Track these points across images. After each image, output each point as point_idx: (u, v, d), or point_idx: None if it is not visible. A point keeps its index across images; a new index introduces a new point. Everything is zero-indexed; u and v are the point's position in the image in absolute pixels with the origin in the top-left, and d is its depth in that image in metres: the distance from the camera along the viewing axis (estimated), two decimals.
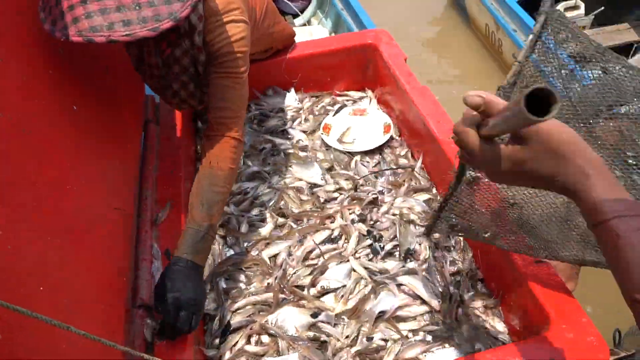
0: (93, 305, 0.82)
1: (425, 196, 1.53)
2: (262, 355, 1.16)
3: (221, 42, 1.11)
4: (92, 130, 1.04)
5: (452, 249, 1.38)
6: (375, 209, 1.45)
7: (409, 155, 1.71)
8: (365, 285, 1.26)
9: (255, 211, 1.47)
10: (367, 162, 1.68)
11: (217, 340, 1.18)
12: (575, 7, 2.55)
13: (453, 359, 1.16)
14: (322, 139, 1.75)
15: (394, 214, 1.43)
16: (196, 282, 1.05)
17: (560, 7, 2.54)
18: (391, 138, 1.75)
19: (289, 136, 1.77)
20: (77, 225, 0.84)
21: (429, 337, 1.20)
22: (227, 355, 1.16)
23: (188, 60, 1.16)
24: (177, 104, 1.32)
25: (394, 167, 1.64)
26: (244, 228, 1.41)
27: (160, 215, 1.29)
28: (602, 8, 2.57)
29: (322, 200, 1.50)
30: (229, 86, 1.16)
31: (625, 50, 1.34)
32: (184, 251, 1.06)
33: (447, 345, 1.19)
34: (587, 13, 2.57)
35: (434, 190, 1.56)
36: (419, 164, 1.62)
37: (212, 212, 1.11)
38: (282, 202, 1.49)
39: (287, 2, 2.83)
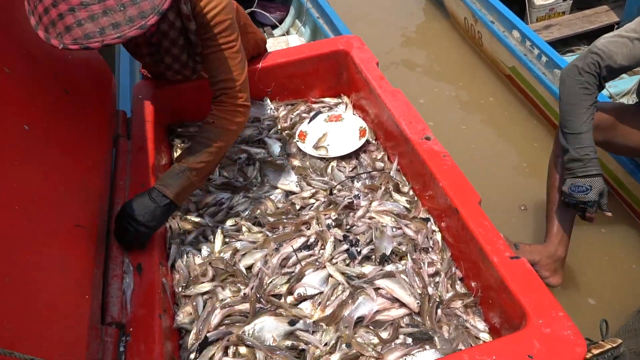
0: (45, 326, 0.79)
1: (402, 198, 1.52)
2: None
3: (211, 10, 1.17)
4: (49, 149, 1.02)
5: (430, 249, 1.37)
6: (351, 214, 1.44)
7: (385, 158, 1.70)
8: (343, 291, 1.24)
9: (230, 222, 1.45)
10: (344, 167, 1.67)
11: (192, 355, 1.15)
12: None
13: None
14: (298, 147, 1.74)
15: (370, 218, 1.42)
16: (149, 206, 1.15)
17: None
18: (367, 142, 1.75)
19: (265, 145, 1.75)
20: (27, 243, 0.81)
21: (409, 340, 1.18)
22: None
23: (176, 33, 1.24)
24: (172, 76, 1.46)
25: (370, 170, 1.63)
26: (219, 239, 1.38)
27: None
28: None
29: (297, 207, 1.49)
30: (227, 57, 1.20)
31: (606, 32, 1.37)
32: (157, 181, 1.21)
33: (427, 347, 1.17)
34: None
35: (411, 192, 1.55)
36: (394, 166, 1.61)
37: (196, 158, 1.21)
38: (258, 212, 1.47)
39: (265, 13, 2.83)
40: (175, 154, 1.73)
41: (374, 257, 1.32)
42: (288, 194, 1.55)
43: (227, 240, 1.40)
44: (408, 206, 1.50)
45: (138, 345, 1.04)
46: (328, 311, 1.22)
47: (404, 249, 1.35)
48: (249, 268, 1.33)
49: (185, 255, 1.36)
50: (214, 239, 1.39)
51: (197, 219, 1.45)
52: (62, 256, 0.97)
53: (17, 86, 1.00)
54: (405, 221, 1.42)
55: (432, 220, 1.45)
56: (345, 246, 1.33)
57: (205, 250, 1.38)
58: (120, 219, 1.15)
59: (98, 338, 0.99)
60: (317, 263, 1.30)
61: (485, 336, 1.21)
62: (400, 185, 1.56)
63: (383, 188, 1.54)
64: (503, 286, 1.11)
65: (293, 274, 1.29)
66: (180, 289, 1.28)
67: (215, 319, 1.20)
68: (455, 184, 1.31)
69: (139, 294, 1.13)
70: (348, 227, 1.39)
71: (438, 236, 1.40)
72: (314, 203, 1.49)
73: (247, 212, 1.48)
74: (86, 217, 1.10)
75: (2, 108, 0.90)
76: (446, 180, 1.33)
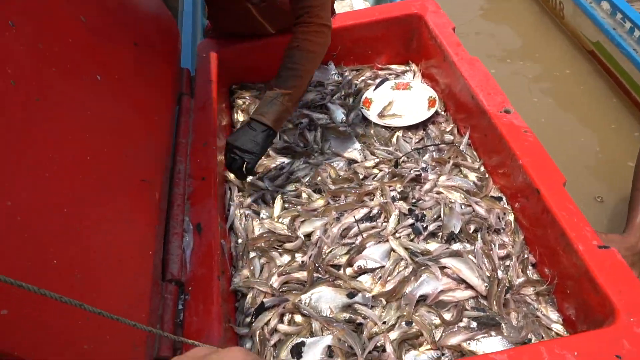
0: (112, 279, 0.78)
1: (472, 175, 1.42)
2: (295, 335, 1.10)
3: None
4: (118, 101, 1.00)
5: (501, 231, 1.27)
6: (417, 187, 1.36)
7: (455, 131, 1.60)
8: (406, 267, 1.18)
9: (290, 187, 1.41)
10: (410, 138, 1.58)
11: (248, 319, 1.14)
12: None
13: (500, 348, 1.06)
14: (362, 114, 1.66)
15: (438, 193, 1.33)
16: (249, 134, 1.23)
17: None
18: (436, 113, 1.64)
19: (327, 111, 1.69)
20: (96, 196, 0.80)
21: (474, 324, 1.11)
22: (259, 333, 1.11)
23: None
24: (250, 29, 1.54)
25: (438, 143, 1.53)
26: (278, 204, 1.34)
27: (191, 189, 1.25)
28: None
29: (360, 176, 1.42)
30: None
31: None
32: (253, 112, 1.26)
33: (493, 333, 1.10)
34: None
35: (482, 169, 1.44)
36: (465, 139, 1.50)
37: (286, 84, 1.24)
38: (319, 178, 1.42)
39: None
40: (236, 115, 1.70)
41: (440, 234, 1.24)
42: (350, 162, 1.48)
43: (286, 205, 1.36)
44: (478, 183, 1.40)
45: (197, 304, 1.03)
46: (389, 287, 1.16)
47: (473, 228, 1.25)
48: (308, 236, 1.29)
49: (244, 218, 1.33)
50: (273, 203, 1.36)
51: (256, 182, 1.41)
52: (129, 210, 0.96)
53: (91, 35, 0.98)
54: (475, 199, 1.32)
55: (504, 199, 1.34)
56: (410, 221, 1.25)
57: (263, 214, 1.34)
58: (227, 152, 1.25)
59: (159, 294, 0.99)
60: (380, 236, 1.24)
61: (558, 327, 1.12)
62: (470, 161, 1.45)
63: (451, 162, 1.44)
64: (587, 277, 1.00)
65: (353, 246, 1.23)
66: (238, 251, 1.26)
67: (272, 284, 1.17)
68: (537, 163, 1.20)
69: (198, 254, 1.11)
70: (414, 200, 1.32)
71: (511, 217, 1.30)
72: (377, 173, 1.42)
73: (307, 178, 1.43)
74: (151, 173, 1.08)
75: (77, 55, 0.88)
76: (527, 158, 1.21)
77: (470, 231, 1.25)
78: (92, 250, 0.75)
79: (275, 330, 1.13)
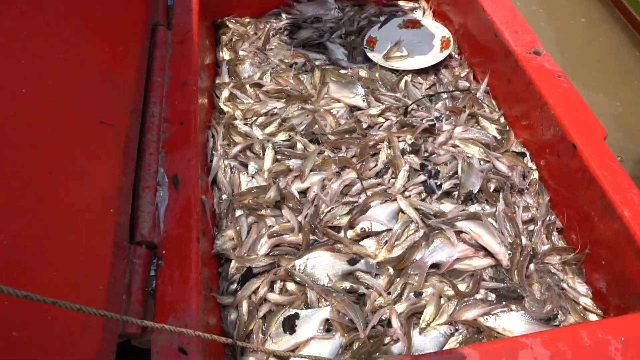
0: (56, 243, 0.60)
1: (492, 127, 1.25)
2: (288, 306, 0.95)
3: None
4: (71, 26, 0.79)
5: (525, 191, 1.11)
6: (430, 139, 1.18)
7: (471, 77, 1.41)
8: (416, 230, 1.02)
9: (283, 136, 1.22)
10: (420, 83, 1.39)
11: (233, 286, 0.98)
12: None
13: (522, 324, 0.93)
14: (366, 55, 1.46)
15: (453, 146, 1.15)
16: None
17: None
18: (449, 56, 1.44)
19: (326, 50, 1.48)
20: (37, 140, 0.61)
21: (492, 297, 0.96)
22: (246, 303, 0.96)
23: None
24: None
25: (452, 89, 1.34)
26: (269, 155, 1.16)
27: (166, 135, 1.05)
28: None
29: (364, 125, 1.24)
30: None
31: None
32: None
33: (514, 307, 0.96)
34: None
35: (502, 120, 1.26)
36: (483, 86, 1.32)
37: None
38: (316, 127, 1.23)
39: None
40: (221, 53, 1.48)
41: (456, 193, 1.08)
42: (352, 109, 1.29)
43: (278, 157, 1.18)
44: (498, 136, 1.22)
45: (172, 271, 0.86)
46: (396, 252, 1.01)
47: (493, 187, 1.09)
48: (304, 193, 1.12)
49: (229, 170, 1.15)
50: (264, 154, 1.17)
51: (244, 129, 1.22)
52: (83, 158, 0.78)
53: None
54: (495, 154, 1.15)
55: (528, 156, 1.18)
56: (422, 177, 1.09)
57: (252, 166, 1.16)
58: None
59: (125, 259, 0.82)
60: (387, 194, 1.07)
61: (586, 301, 0.98)
62: (489, 111, 1.27)
63: (467, 112, 1.26)
64: (632, 246, 0.85)
65: (356, 205, 1.07)
66: (221, 209, 1.09)
67: (262, 248, 1.01)
68: (573, 113, 1.03)
69: (174, 211, 0.94)
70: (426, 154, 1.14)
71: (535, 175, 1.13)
72: (383, 122, 1.24)
73: (303, 127, 1.24)
74: (113, 115, 0.89)
75: None
76: (561, 107, 1.04)
77: (491, 190, 1.08)
78: (27, 209, 0.57)
79: (264, 300, 0.97)
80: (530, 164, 1.15)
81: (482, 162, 1.14)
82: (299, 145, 1.20)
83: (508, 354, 0.72)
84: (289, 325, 0.94)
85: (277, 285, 1.00)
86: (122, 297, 0.79)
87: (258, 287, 0.98)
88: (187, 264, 0.88)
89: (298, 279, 0.97)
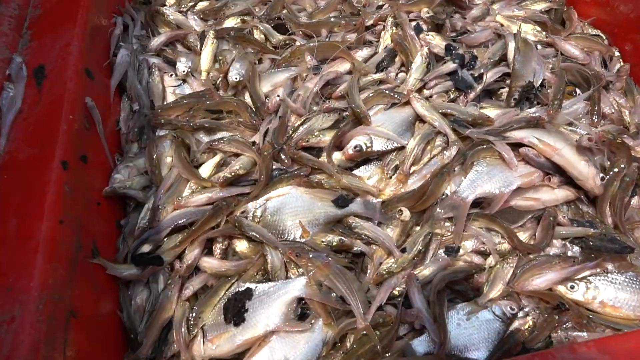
0: None
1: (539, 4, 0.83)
2: (235, 279, 0.56)
3: None
4: None
5: (609, 86, 0.71)
6: (457, 15, 0.76)
7: None
8: (444, 148, 0.62)
9: (231, 22, 0.81)
10: None
11: (145, 247, 0.58)
12: None
13: (635, 299, 0.54)
14: None
15: (496, 20, 0.74)
16: None
17: None
18: None
19: None
20: None
21: (576, 250, 0.57)
22: (163, 277, 0.57)
23: None
24: None
25: None
26: (209, 47, 0.74)
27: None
28: None
29: (356, 3, 0.81)
30: None
31: None
32: None
33: (611, 267, 0.57)
34: None
35: None
36: None
37: None
38: (284, 12, 0.82)
39: None
40: None
41: (507, 90, 0.67)
42: None
43: (225, 49, 0.76)
44: (552, 17, 0.81)
45: (5, 218, 0.46)
46: (414, 184, 0.61)
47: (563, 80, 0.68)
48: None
49: (146, 72, 0.73)
50: (201, 46, 0.75)
51: (175, 17, 0.81)
52: None
53: None
54: (556, 37, 0.74)
55: (605, 37, 0.77)
56: (451, 65, 0.68)
57: (183, 65, 0.76)
58: None
59: None
60: (393, 95, 0.66)
61: None
62: None
63: None
64: None
65: (345, 114, 0.66)
66: (133, 127, 0.68)
67: (190, 188, 0.61)
68: None
69: (29, 120, 0.53)
70: (454, 34, 0.72)
71: (623, 66, 0.73)
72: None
73: (263, 11, 0.82)
74: None
75: None
76: None
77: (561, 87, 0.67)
78: None
79: (195, 270, 0.58)
80: (612, 49, 0.75)
81: (539, 47, 0.72)
82: (257, 34, 0.78)
83: None
84: (236, 311, 0.55)
85: (219, 246, 0.59)
86: None
87: (183, 249, 0.58)
88: (35, 205, 0.47)
89: (251, 232, 0.57)
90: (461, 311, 0.59)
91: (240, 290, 0.58)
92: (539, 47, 0.76)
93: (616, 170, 0.63)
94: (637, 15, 0.75)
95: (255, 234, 0.60)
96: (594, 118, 0.68)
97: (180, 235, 0.63)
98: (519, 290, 0.59)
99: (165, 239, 0.62)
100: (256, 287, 0.58)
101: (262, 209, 0.63)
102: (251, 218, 0.62)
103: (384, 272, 0.59)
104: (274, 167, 0.67)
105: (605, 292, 0.58)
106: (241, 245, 0.63)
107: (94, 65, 0.70)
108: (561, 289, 0.59)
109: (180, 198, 0.64)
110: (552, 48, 0.76)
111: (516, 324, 0.57)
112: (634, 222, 0.64)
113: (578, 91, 0.69)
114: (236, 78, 0.70)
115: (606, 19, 0.81)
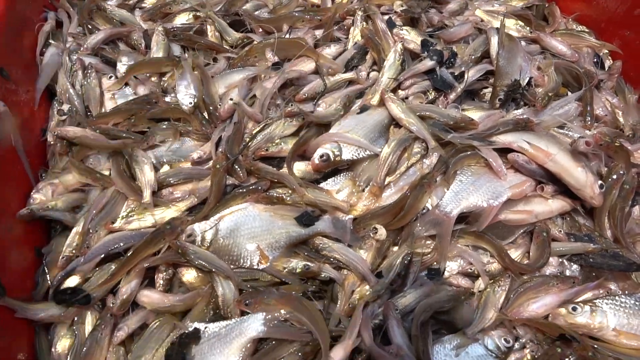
0: None
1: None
2: (176, 318, 0.46)
3: None
4: None
5: (600, 85, 0.65)
6: (433, 10, 0.70)
7: None
8: (423, 156, 0.54)
9: (183, 17, 0.72)
10: None
11: (70, 282, 0.48)
12: None
13: None
14: None
15: (475, 15, 0.68)
16: None
17: None
18: None
19: None
20: None
21: (575, 269, 0.50)
22: (91, 317, 0.47)
23: None
24: None
25: None
26: (159, 44, 0.66)
27: None
28: None
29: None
30: None
31: None
32: None
33: (614, 287, 0.51)
34: None
35: None
36: None
37: None
38: (245, 6, 0.74)
39: None
40: None
41: (491, 90, 0.60)
42: None
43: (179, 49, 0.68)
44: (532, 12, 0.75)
45: None
46: (389, 197, 0.52)
47: (552, 80, 0.62)
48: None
49: (79, 73, 0.64)
50: (146, 46, 0.66)
51: (120, 13, 0.74)
52: None
53: None
54: (541, 32, 0.68)
55: (591, 33, 0.72)
56: (429, 62, 0.60)
57: (124, 65, 0.65)
58: None
59: None
60: (363, 93, 0.58)
61: None
62: None
63: None
64: None
65: (309, 119, 0.58)
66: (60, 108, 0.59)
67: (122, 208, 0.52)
68: None
69: None
70: (430, 29, 0.65)
71: (614, 63, 0.67)
72: None
73: (220, 6, 0.74)
74: None
75: None
76: None
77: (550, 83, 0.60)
78: None
79: (133, 306, 0.48)
80: (598, 44, 0.69)
81: (523, 43, 0.66)
82: (211, 29, 0.69)
83: None
84: (180, 358, 0.45)
85: (162, 275, 0.50)
86: None
87: (119, 282, 0.48)
88: None
89: (198, 261, 0.48)
90: (448, 345, 0.50)
91: (185, 333, 0.49)
92: (523, 43, 0.69)
93: (615, 177, 0.56)
94: (625, 9, 0.69)
95: (202, 262, 0.51)
96: (586, 120, 0.61)
97: (115, 265, 0.53)
98: (513, 319, 0.51)
99: (96, 269, 0.53)
100: (206, 327, 0.49)
101: (212, 231, 0.54)
102: (199, 243, 0.53)
103: (355, 302, 0.51)
104: (229, 183, 0.58)
105: (615, 317, 0.51)
106: (189, 275, 0.54)
107: (13, 64, 0.60)
108: (562, 311, 0.51)
109: (116, 219, 0.54)
110: (536, 45, 0.69)
111: (512, 358, 0.49)
112: (635, 234, 0.58)
113: (568, 93, 0.63)
114: (190, 103, 0.61)
115: (591, 14, 0.76)
